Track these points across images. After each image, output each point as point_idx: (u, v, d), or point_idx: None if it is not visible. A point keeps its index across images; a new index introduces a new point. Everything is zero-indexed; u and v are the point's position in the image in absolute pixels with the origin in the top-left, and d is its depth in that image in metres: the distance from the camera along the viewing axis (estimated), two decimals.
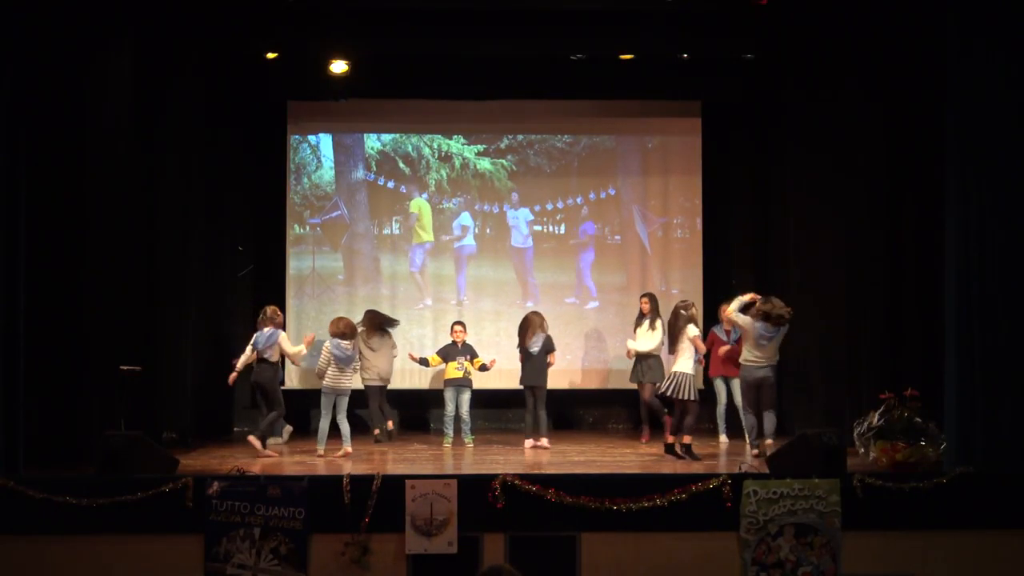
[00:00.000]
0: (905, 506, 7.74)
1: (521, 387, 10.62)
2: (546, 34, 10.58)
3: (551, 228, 12.55)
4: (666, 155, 12.59)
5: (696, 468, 8.97)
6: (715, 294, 11.87)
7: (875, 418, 8.50)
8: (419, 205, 12.45)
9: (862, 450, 8.70)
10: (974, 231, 8.28)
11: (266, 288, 12.26)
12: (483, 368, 10.68)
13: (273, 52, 11.09)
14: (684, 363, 9.34)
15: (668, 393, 9.40)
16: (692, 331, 9.40)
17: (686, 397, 9.27)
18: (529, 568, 5.04)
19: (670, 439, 9.49)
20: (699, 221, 12.49)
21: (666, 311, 11.83)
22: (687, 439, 9.35)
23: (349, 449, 9.72)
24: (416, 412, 12.35)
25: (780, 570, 7.63)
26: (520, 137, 12.61)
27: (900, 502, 7.74)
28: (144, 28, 9.75)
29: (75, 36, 9.21)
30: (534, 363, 10.46)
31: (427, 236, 12.45)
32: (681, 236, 12.54)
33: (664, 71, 11.70)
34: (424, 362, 10.87)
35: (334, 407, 9.87)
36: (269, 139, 12.45)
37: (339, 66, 11.28)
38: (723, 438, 10.71)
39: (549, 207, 12.55)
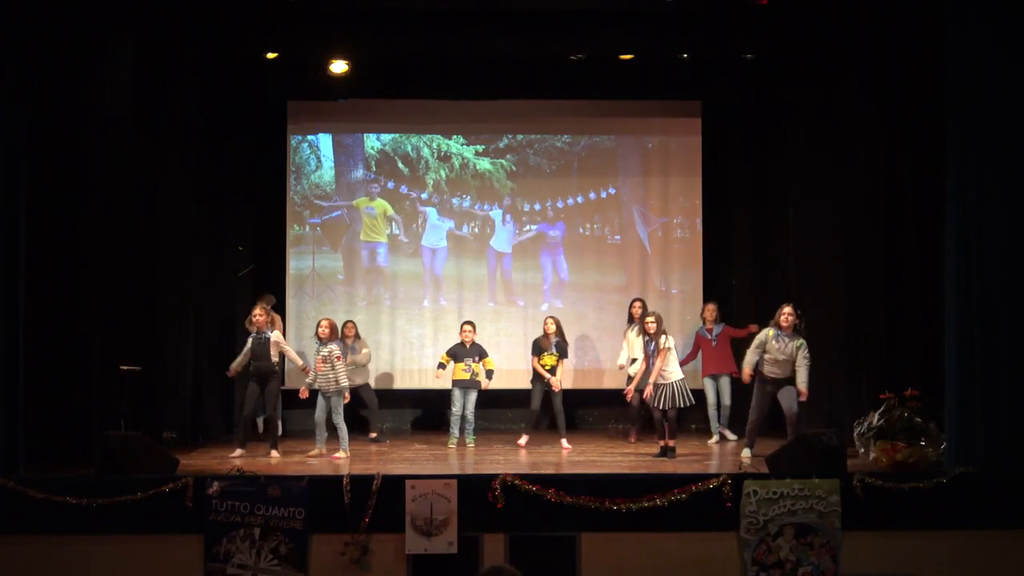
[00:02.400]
0: (905, 506, 7.74)
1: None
2: (546, 34, 10.57)
3: (549, 229, 12.56)
4: (666, 155, 12.59)
5: (696, 468, 8.98)
6: (715, 294, 11.87)
7: (875, 418, 8.50)
8: (383, 205, 12.47)
9: (862, 450, 8.70)
10: (974, 231, 8.28)
11: (266, 288, 12.24)
12: (489, 374, 10.66)
13: (273, 52, 11.09)
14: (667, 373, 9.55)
15: (660, 406, 9.54)
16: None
17: (671, 406, 9.49)
18: (529, 568, 5.04)
19: (663, 443, 9.64)
20: (699, 221, 12.49)
21: (666, 311, 11.86)
22: (672, 442, 9.54)
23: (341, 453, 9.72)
24: (421, 412, 12.37)
25: (780, 570, 7.63)
26: (520, 137, 12.62)
27: (900, 502, 7.74)
28: (144, 28, 9.74)
29: (75, 36, 9.20)
30: None
31: (380, 236, 12.46)
32: (681, 236, 12.53)
33: (664, 71, 11.70)
34: (441, 367, 10.78)
35: (329, 407, 9.84)
36: (269, 139, 12.45)
37: (339, 66, 11.28)
38: (716, 438, 10.70)
39: (549, 207, 12.55)
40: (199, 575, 7.58)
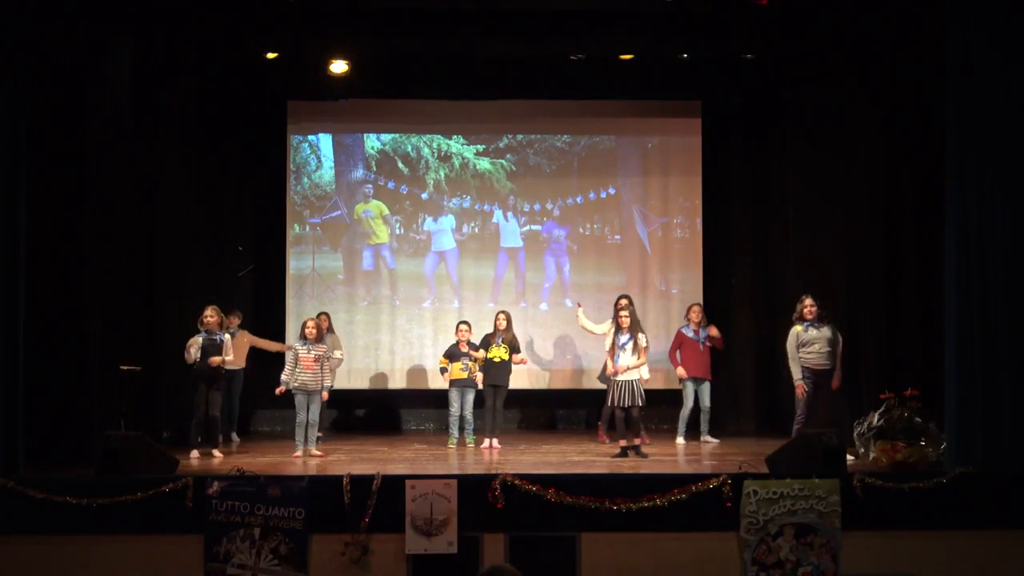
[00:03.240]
0: (905, 506, 7.74)
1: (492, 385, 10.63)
2: (546, 34, 10.58)
3: (550, 228, 12.57)
4: (666, 155, 12.60)
5: (696, 468, 8.98)
6: (715, 294, 11.88)
7: (875, 418, 8.50)
8: (379, 207, 12.47)
9: (862, 450, 8.70)
10: (974, 230, 8.28)
11: (266, 288, 12.27)
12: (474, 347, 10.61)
13: (273, 52, 11.10)
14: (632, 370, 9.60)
15: (623, 404, 9.55)
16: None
17: (634, 404, 9.53)
18: (529, 568, 5.04)
19: (623, 442, 9.65)
20: (699, 221, 12.50)
21: (666, 311, 11.85)
22: (637, 440, 9.62)
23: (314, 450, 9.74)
24: (420, 411, 12.38)
25: (780, 570, 7.63)
26: (520, 137, 12.62)
27: (900, 502, 7.73)
28: (144, 28, 9.75)
29: (75, 36, 9.20)
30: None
31: (381, 238, 12.47)
32: (681, 236, 12.54)
33: (664, 71, 11.71)
34: (443, 370, 10.74)
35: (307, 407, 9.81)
36: (269, 139, 12.46)
37: (339, 66, 11.30)
38: (680, 440, 10.70)
39: (549, 207, 12.55)
40: (199, 575, 7.58)
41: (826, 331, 9.47)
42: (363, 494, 7.60)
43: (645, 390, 9.73)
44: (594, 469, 8.92)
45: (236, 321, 11.02)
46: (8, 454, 8.08)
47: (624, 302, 10.46)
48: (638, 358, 9.59)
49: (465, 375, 10.54)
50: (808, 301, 9.55)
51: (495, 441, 10.35)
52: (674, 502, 7.64)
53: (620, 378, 9.56)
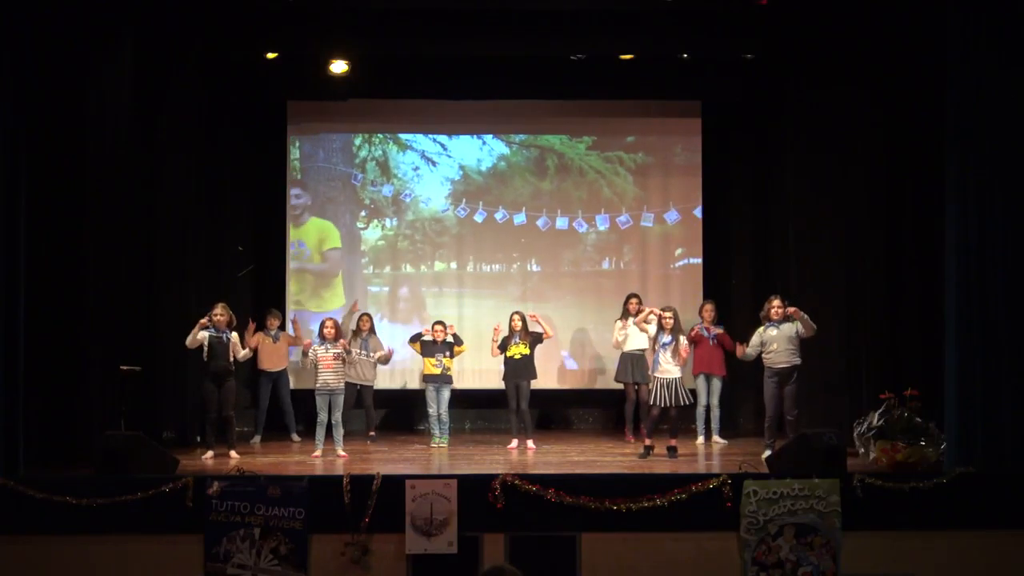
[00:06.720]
0: (905, 506, 7.74)
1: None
2: (547, 34, 10.57)
3: (551, 228, 12.56)
4: (666, 155, 12.59)
5: (696, 468, 8.98)
6: (715, 294, 11.86)
7: (875, 418, 8.51)
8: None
9: (862, 450, 8.70)
10: (974, 229, 8.28)
11: (266, 288, 12.26)
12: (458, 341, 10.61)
13: (273, 52, 11.09)
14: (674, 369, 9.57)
15: (665, 403, 9.54)
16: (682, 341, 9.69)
17: (677, 403, 9.55)
18: (529, 568, 5.04)
19: (648, 441, 9.66)
20: (699, 221, 12.48)
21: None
22: (649, 441, 9.63)
23: (340, 451, 9.74)
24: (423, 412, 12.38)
25: (780, 570, 7.63)
26: (520, 137, 12.60)
27: (900, 502, 7.74)
28: (144, 28, 9.76)
29: (75, 36, 9.21)
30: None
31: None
32: (681, 235, 12.53)
33: (664, 71, 11.70)
34: (416, 336, 10.75)
35: (329, 407, 9.82)
36: (269, 139, 12.44)
37: (339, 66, 11.30)
38: (701, 439, 10.70)
39: (549, 207, 12.54)
40: (199, 575, 7.58)
41: (786, 328, 9.49)
42: (363, 494, 7.61)
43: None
44: (594, 469, 8.92)
45: (276, 323, 11.17)
46: (8, 454, 8.09)
47: (635, 302, 10.83)
48: (676, 361, 9.58)
49: (438, 371, 10.48)
50: (776, 303, 9.60)
51: (530, 441, 10.32)
52: (674, 502, 7.65)
53: (662, 376, 9.54)
